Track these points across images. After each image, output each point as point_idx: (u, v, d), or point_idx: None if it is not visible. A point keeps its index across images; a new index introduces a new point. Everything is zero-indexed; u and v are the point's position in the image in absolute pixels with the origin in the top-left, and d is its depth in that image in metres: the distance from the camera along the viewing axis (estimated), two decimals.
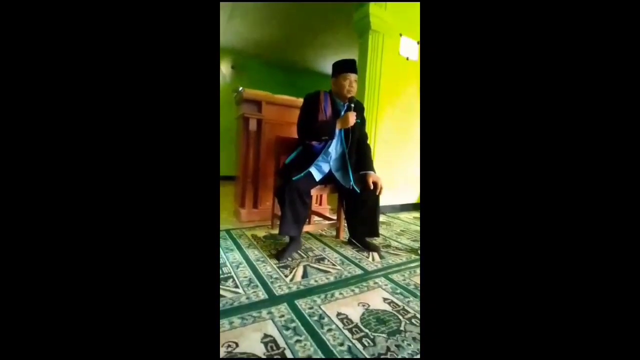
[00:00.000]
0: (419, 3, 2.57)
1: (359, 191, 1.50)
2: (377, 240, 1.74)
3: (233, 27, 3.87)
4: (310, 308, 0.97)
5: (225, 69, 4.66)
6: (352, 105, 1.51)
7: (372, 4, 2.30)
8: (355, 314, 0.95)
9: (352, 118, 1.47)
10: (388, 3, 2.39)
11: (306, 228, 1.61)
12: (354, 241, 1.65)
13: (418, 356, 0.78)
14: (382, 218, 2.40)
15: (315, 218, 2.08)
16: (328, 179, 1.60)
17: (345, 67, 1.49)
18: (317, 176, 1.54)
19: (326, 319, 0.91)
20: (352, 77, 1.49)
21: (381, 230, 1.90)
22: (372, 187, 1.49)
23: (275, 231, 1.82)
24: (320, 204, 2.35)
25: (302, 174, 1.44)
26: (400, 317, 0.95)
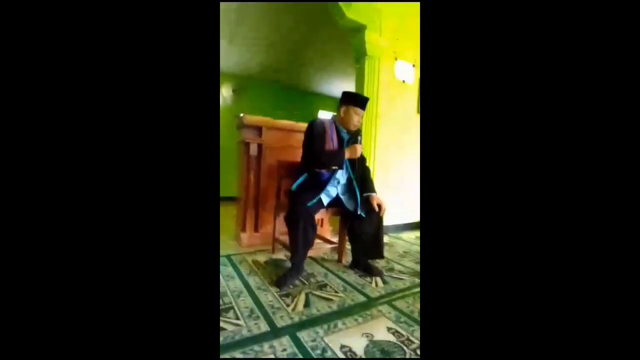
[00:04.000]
0: (413, 28, 2.67)
1: (364, 215, 1.53)
2: (379, 264, 1.72)
3: (234, 52, 4.00)
4: (313, 340, 0.95)
5: (226, 92, 4.78)
6: (359, 137, 1.58)
7: (367, 31, 2.39)
8: (359, 345, 0.93)
9: (360, 150, 1.56)
10: (383, 28, 2.48)
11: (309, 252, 1.60)
12: (356, 269, 1.64)
13: None
14: (384, 239, 2.38)
15: (317, 241, 2.06)
16: (333, 202, 1.62)
17: (360, 102, 1.57)
18: (326, 201, 1.57)
19: (329, 352, 0.89)
20: (362, 113, 1.58)
21: (384, 253, 1.88)
22: (377, 209, 1.53)
23: (276, 256, 1.80)
24: (322, 226, 2.34)
25: (315, 201, 1.46)
26: (405, 348, 0.93)
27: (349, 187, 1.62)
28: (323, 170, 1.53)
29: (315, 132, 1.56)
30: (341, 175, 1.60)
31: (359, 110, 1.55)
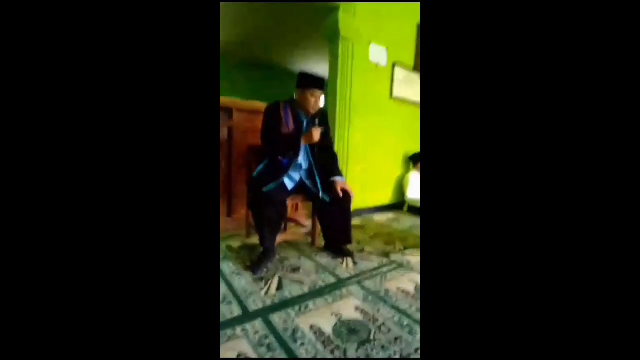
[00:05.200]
0: (387, 10, 2.64)
1: (328, 200, 1.53)
2: (351, 245, 1.78)
3: None
4: (285, 322, 0.99)
5: None
6: (317, 120, 1.53)
7: (341, 12, 2.34)
8: (328, 325, 0.99)
9: (316, 135, 1.49)
10: (357, 10, 2.44)
11: (282, 237, 1.63)
12: (328, 251, 1.69)
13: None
14: (357, 221, 2.47)
15: (291, 225, 2.10)
16: (301, 187, 1.62)
17: (314, 83, 1.49)
18: (290, 185, 1.56)
19: (299, 333, 0.94)
20: (319, 93, 1.51)
21: (356, 234, 1.96)
22: (340, 194, 1.51)
23: (250, 241, 1.82)
24: (297, 210, 2.36)
25: (272, 185, 1.43)
26: (371, 325, 1.00)
27: (311, 173, 1.61)
28: (281, 157, 1.51)
29: (269, 117, 1.54)
30: (303, 160, 1.59)
31: (314, 91, 1.49)
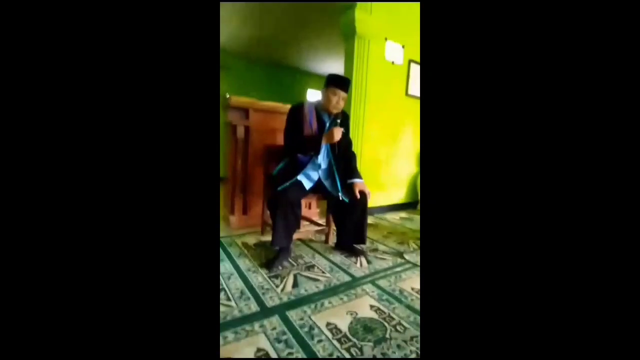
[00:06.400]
0: (404, 8, 2.61)
1: (347, 201, 1.54)
2: (364, 245, 1.79)
3: (221, 27, 3.81)
4: (301, 319, 1.01)
5: None
6: (338, 121, 1.55)
7: (357, 9, 2.32)
8: (343, 323, 1.00)
9: (337, 134, 1.50)
10: (373, 7, 2.42)
11: (296, 235, 1.65)
12: (341, 250, 1.70)
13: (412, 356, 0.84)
14: (370, 219, 2.46)
15: (305, 223, 2.12)
16: (317, 187, 1.63)
17: (338, 83, 1.51)
18: (308, 185, 1.58)
19: (316, 330, 0.96)
20: (342, 94, 1.52)
21: (369, 233, 1.95)
22: (359, 196, 1.53)
23: (266, 238, 1.85)
24: (310, 208, 2.39)
25: (288, 183, 1.46)
26: (386, 324, 1.01)
27: (330, 173, 1.62)
28: (300, 155, 1.54)
29: (292, 118, 1.57)
30: (322, 160, 1.60)
31: (337, 91, 1.51)
